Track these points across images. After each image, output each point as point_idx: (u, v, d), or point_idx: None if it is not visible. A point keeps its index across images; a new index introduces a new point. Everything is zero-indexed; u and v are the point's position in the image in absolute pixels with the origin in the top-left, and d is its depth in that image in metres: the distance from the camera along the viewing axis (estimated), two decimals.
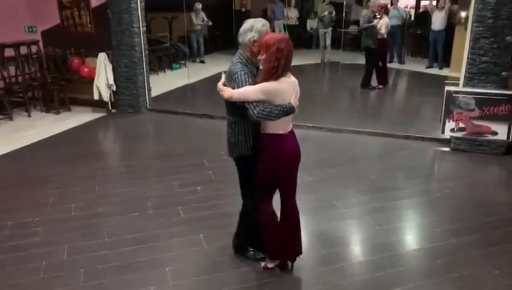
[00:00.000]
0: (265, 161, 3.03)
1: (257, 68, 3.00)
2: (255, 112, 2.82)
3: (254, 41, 2.92)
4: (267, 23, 3.04)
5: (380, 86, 9.22)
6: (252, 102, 2.82)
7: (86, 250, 3.61)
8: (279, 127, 2.96)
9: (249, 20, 3.02)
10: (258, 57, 2.89)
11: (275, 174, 3.06)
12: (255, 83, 2.88)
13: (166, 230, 3.89)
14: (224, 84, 2.93)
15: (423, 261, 3.55)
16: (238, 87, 2.86)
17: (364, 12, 9.53)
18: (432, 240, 3.80)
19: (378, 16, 8.76)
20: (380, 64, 9.16)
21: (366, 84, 9.12)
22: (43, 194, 4.60)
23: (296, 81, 2.97)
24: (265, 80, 2.85)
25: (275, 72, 2.84)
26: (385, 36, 8.84)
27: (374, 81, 9.24)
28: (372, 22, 8.63)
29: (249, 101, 2.83)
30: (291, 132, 3.07)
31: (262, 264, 3.39)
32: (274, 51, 2.81)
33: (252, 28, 2.95)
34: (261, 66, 2.90)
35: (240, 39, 2.98)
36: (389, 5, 11.45)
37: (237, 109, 2.95)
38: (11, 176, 5.15)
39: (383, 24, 8.70)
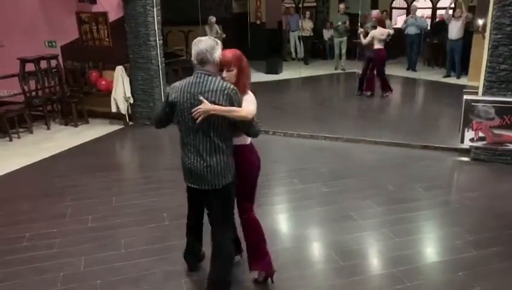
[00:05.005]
0: (254, 166, 3.07)
1: None
2: (260, 125, 2.82)
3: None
4: None
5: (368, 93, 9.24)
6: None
7: (103, 261, 3.63)
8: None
9: (201, 38, 2.84)
10: (224, 74, 2.81)
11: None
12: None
13: (182, 241, 3.87)
14: (218, 104, 2.71)
15: (444, 274, 3.46)
16: (239, 104, 2.75)
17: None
18: (453, 252, 3.71)
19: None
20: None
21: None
22: (61, 206, 4.65)
23: None
24: (244, 92, 2.84)
25: (249, 84, 2.89)
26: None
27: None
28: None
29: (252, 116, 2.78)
30: None
31: (256, 276, 3.28)
32: (246, 64, 2.87)
33: (217, 43, 2.81)
34: (228, 80, 2.79)
35: (209, 57, 2.77)
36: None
37: (230, 132, 2.83)
38: (30, 187, 5.22)
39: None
